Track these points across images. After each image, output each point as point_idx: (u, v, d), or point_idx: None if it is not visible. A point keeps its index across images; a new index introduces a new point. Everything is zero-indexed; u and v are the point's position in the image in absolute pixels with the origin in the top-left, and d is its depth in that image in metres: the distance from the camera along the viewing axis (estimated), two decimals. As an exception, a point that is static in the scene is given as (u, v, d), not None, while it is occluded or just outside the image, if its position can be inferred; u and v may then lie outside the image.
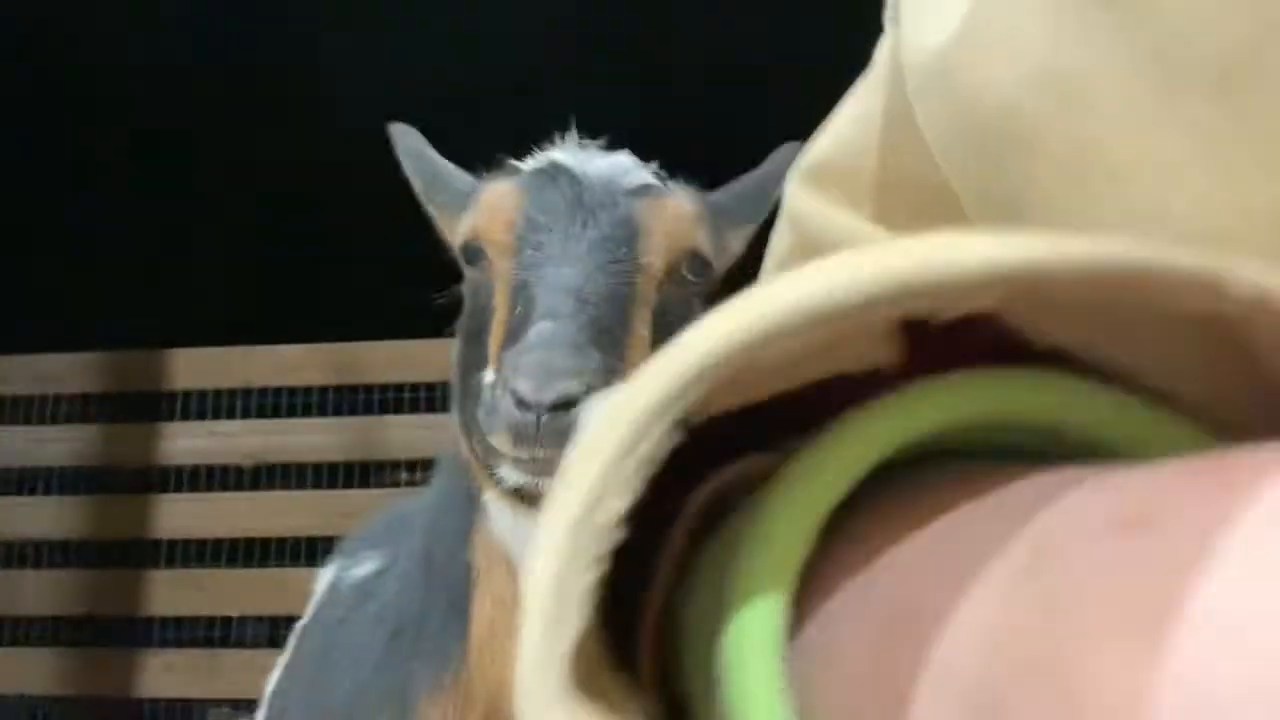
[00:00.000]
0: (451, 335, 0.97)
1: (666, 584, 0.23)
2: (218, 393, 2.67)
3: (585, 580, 0.18)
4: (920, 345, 0.20)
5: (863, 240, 0.35)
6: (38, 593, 2.63)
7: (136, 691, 2.53)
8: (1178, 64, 0.23)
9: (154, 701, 2.58)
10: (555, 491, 0.19)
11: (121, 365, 2.74)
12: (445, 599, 0.92)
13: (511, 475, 0.80)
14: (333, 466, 2.60)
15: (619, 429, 0.18)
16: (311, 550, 2.45)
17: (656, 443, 0.18)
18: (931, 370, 0.19)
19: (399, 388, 2.59)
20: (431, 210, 1.02)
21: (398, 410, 2.59)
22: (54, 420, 2.72)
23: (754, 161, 1.04)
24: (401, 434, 2.55)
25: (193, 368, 2.69)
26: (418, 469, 2.46)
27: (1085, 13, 0.25)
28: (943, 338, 0.18)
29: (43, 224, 2.89)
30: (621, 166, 0.91)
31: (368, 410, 2.61)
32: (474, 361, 0.87)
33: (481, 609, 0.89)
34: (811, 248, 0.36)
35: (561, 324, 0.78)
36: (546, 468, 0.77)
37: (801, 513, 0.19)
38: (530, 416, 0.74)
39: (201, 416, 2.66)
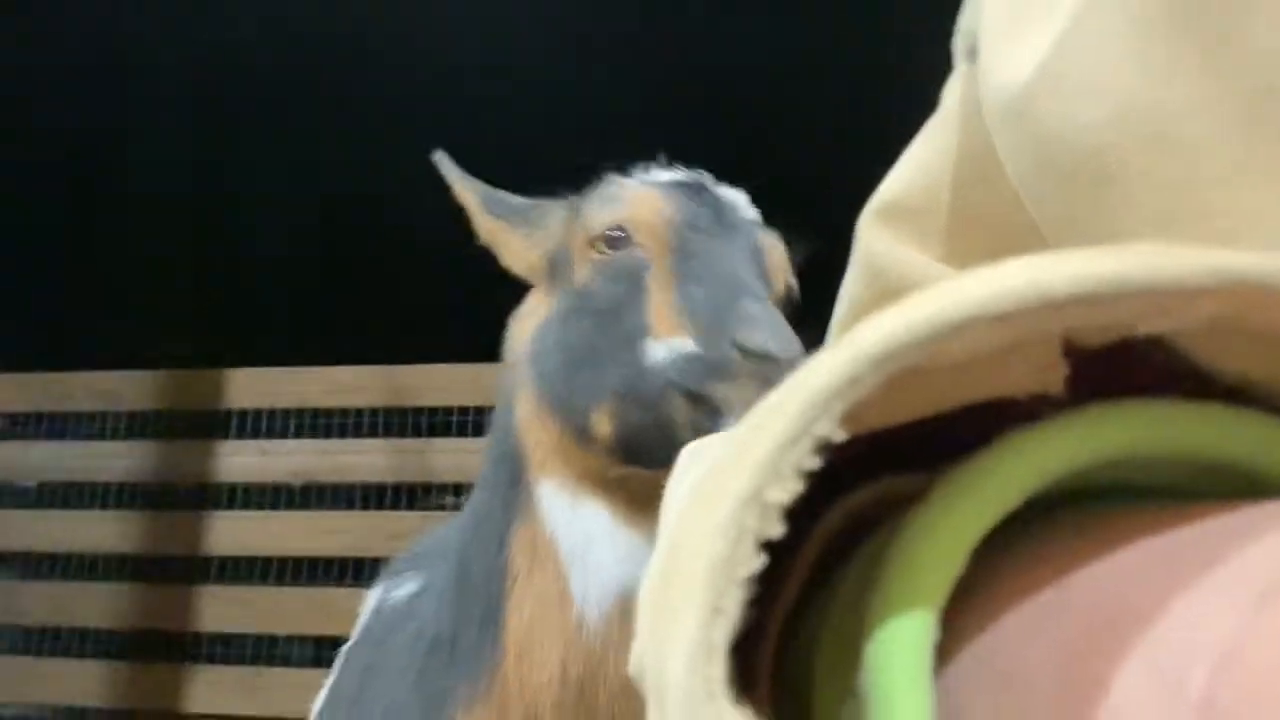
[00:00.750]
0: (498, 360, 0.97)
1: (790, 605, 0.22)
2: (271, 412, 2.71)
3: (748, 568, 0.17)
4: (1075, 381, 0.19)
5: (934, 280, 0.34)
6: (90, 605, 2.67)
7: (182, 706, 2.55)
8: (1270, 110, 0.22)
9: (199, 717, 2.60)
10: (720, 465, 0.18)
11: (178, 383, 2.79)
12: (479, 610, 0.91)
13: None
14: (381, 488, 2.62)
15: (791, 409, 0.17)
16: (359, 571, 2.47)
17: (829, 426, 0.17)
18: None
19: (448, 411, 2.60)
20: (490, 223, 1.02)
21: (446, 433, 2.60)
22: (112, 436, 2.78)
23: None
24: (450, 457, 2.56)
25: (248, 387, 2.73)
26: (465, 492, 2.46)
27: (1175, 51, 0.24)
28: (1099, 372, 0.17)
29: (105, 244, 2.96)
30: (740, 198, 0.96)
31: (417, 432, 2.63)
32: (617, 333, 0.87)
33: (518, 613, 0.88)
34: (883, 287, 0.35)
35: (767, 304, 0.82)
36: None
37: (962, 527, 0.18)
38: (773, 368, 0.77)
39: (255, 435, 2.70)
